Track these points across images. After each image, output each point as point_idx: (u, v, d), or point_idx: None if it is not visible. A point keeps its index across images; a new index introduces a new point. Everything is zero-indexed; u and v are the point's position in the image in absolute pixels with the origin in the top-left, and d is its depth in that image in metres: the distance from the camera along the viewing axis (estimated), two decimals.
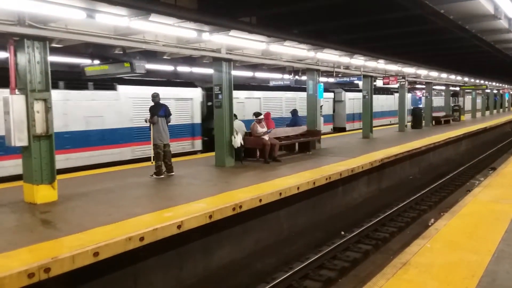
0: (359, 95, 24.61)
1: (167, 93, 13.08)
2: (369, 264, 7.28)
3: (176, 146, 13.51)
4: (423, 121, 23.03)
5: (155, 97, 9.23)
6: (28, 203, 6.81)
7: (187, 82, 15.41)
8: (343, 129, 23.53)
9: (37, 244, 4.92)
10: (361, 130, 18.42)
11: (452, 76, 24.29)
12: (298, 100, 19.81)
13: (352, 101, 24.67)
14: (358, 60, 14.40)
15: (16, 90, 6.67)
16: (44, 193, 6.82)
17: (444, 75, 22.89)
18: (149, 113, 9.24)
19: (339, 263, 7.12)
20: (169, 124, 9.32)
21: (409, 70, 18.88)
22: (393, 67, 17.60)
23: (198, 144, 15.05)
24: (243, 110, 16.39)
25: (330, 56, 12.62)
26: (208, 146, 14.90)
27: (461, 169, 15.07)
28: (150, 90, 12.94)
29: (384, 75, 18.55)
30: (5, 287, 4.04)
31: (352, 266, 7.11)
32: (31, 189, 6.77)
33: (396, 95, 28.63)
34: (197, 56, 10.48)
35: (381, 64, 16.28)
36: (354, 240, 8.09)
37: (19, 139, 6.56)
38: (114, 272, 5.29)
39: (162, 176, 9.06)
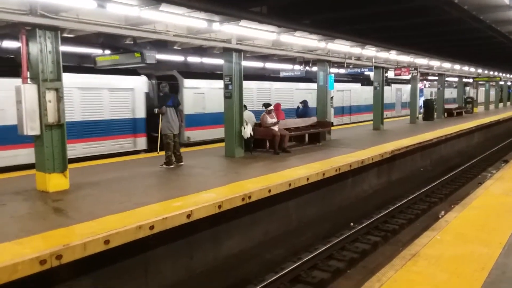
0: (349, 86, 23.08)
1: (96, 82, 11.70)
2: (378, 255, 7.28)
3: (111, 145, 12.26)
4: (435, 113, 22.76)
5: (164, 87, 9.29)
6: (41, 191, 6.92)
7: (127, 69, 12.82)
8: None
9: (49, 232, 5.00)
10: (352, 125, 17.85)
11: (466, 68, 23.90)
12: (259, 90, 17.58)
13: (341, 92, 22.35)
14: (370, 51, 14.23)
15: (28, 79, 6.74)
16: (56, 182, 6.91)
17: (457, 67, 22.55)
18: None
19: (348, 254, 7.13)
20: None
21: (421, 61, 18.63)
22: (405, 58, 17.37)
23: (141, 142, 12.91)
24: (203, 102, 15.06)
25: (341, 46, 12.48)
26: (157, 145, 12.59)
27: (473, 162, 14.93)
28: (74, 78, 11.03)
29: (396, 66, 18.34)
30: (18, 273, 4.12)
31: (361, 257, 7.12)
32: (43, 177, 6.86)
33: (393, 86, 27.48)
34: (207, 46, 10.43)
35: (393, 55, 16.08)
36: (363, 231, 8.09)
37: (31, 128, 6.64)
38: (125, 260, 5.36)
39: (172, 166, 9.12)
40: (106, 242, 4.82)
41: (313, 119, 13.49)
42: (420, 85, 31.55)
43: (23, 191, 6.99)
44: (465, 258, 4.36)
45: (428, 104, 22.56)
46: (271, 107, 11.41)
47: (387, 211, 9.18)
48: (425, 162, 14.30)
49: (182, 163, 9.31)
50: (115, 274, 5.29)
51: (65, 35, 8.37)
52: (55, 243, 4.57)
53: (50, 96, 6.73)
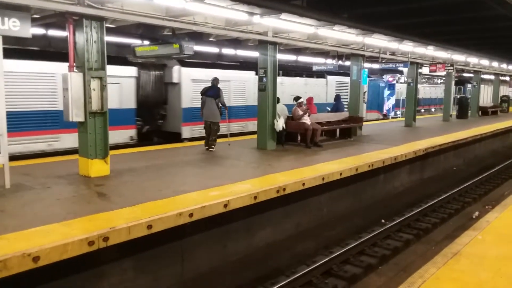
0: (235, 74, 15.15)
1: None
2: (410, 253, 7.24)
3: None
4: (469, 111, 22.23)
5: (213, 80, 10.12)
6: (83, 176, 7.18)
7: None
8: (176, 136, 13.44)
9: (94, 215, 5.20)
10: (383, 121, 17.11)
11: (504, 65, 23.17)
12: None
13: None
14: (407, 46, 13.95)
15: (74, 68, 6.97)
16: (97, 167, 7.15)
17: (495, 64, 21.88)
18: None
19: (379, 251, 7.11)
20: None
21: (458, 57, 18.17)
22: (442, 54, 16.96)
23: None
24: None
25: (378, 41, 12.30)
26: None
27: (508, 162, 14.53)
28: None
29: (431, 62, 17.96)
30: (68, 253, 4.32)
31: (392, 255, 7.09)
32: (86, 163, 7.12)
33: (330, 78, 19.48)
34: (243, 38, 10.48)
35: (429, 51, 15.74)
36: (395, 228, 8.04)
37: (76, 115, 6.88)
38: (163, 245, 5.53)
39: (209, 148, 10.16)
40: (149, 227, 4.99)
41: (345, 114, 13.42)
42: (389, 78, 23.56)
43: (66, 175, 7.27)
44: (508, 258, 4.31)
45: (462, 102, 22.02)
46: (301, 100, 11.42)
47: (419, 209, 9.08)
48: (459, 161, 14.02)
49: (212, 150, 10.09)
50: (154, 257, 5.48)
51: (107, 25, 8.59)
52: (101, 225, 4.76)
53: (94, 84, 6.94)
